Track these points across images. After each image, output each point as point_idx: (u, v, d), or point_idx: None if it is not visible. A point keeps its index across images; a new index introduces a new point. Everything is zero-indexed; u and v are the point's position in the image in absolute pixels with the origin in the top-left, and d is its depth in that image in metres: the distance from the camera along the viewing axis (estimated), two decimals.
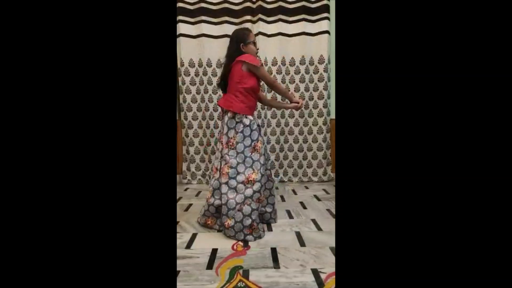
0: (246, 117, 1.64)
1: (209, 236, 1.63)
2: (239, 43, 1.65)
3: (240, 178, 1.60)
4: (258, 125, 1.69)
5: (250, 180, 1.60)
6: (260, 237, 1.58)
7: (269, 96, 2.84)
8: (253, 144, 1.63)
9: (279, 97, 2.73)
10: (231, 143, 1.63)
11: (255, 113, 2.84)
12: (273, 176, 3.00)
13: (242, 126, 1.63)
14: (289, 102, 1.86)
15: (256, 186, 1.59)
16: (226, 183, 1.61)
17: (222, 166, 1.65)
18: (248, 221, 1.56)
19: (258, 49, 1.75)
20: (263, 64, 1.71)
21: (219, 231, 1.68)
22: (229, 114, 1.65)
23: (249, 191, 1.59)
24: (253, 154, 1.63)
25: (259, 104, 2.86)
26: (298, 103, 1.78)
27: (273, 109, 2.94)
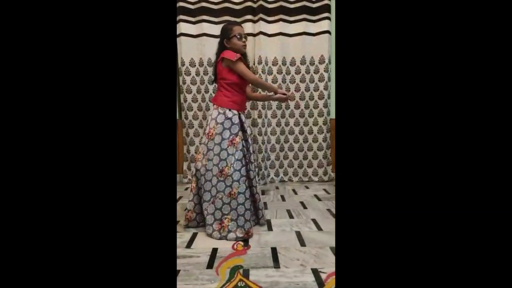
0: (230, 110, 1.64)
1: None
2: (223, 39, 1.68)
3: (215, 170, 1.61)
4: (242, 121, 1.68)
5: (223, 174, 1.60)
6: (226, 237, 1.56)
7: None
8: (231, 137, 1.62)
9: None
10: (210, 133, 1.64)
11: (255, 112, 2.87)
12: (273, 176, 3.01)
13: (223, 117, 1.62)
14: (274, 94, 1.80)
15: (228, 180, 1.59)
16: (204, 174, 1.64)
17: (203, 157, 1.68)
18: (218, 215, 1.61)
19: (244, 41, 1.66)
20: (242, 58, 1.63)
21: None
22: (214, 106, 1.68)
23: (221, 185, 1.60)
24: (229, 147, 1.61)
25: (259, 104, 2.87)
26: (284, 94, 1.71)
27: (273, 109, 2.94)
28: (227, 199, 1.60)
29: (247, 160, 1.69)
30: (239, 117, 1.67)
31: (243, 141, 1.67)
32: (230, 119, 1.63)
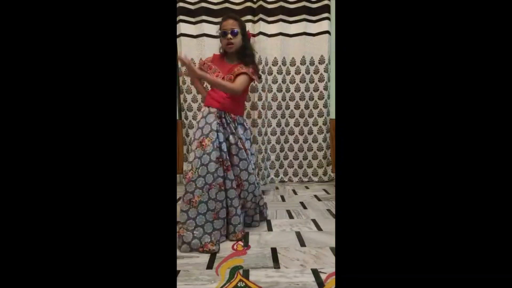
0: (208, 108, 1.52)
1: None
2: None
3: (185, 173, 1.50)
4: (223, 122, 1.50)
5: (186, 178, 1.45)
6: (179, 248, 1.40)
7: (269, 96, 2.86)
8: (201, 138, 1.45)
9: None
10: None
11: (255, 113, 2.87)
12: (273, 177, 3.00)
13: (201, 115, 1.52)
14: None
15: (190, 186, 1.42)
16: None
17: None
18: (181, 218, 1.44)
19: (230, 38, 1.49)
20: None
21: None
22: None
23: (184, 189, 1.45)
24: (197, 149, 1.44)
25: (259, 104, 2.87)
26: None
27: (273, 109, 2.94)
28: (186, 207, 1.43)
29: (224, 167, 1.49)
30: (220, 117, 1.50)
31: (221, 144, 1.48)
32: (205, 117, 1.49)
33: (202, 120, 1.49)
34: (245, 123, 1.64)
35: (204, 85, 1.85)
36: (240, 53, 1.55)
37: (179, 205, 1.69)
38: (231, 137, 1.53)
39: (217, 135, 1.47)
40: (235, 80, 1.50)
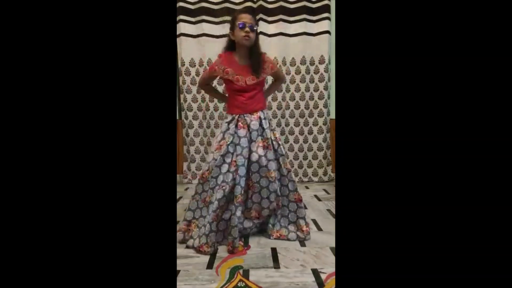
0: (231, 115, 1.56)
1: None
2: (231, 30, 1.51)
3: (200, 172, 1.57)
4: (239, 125, 1.52)
5: (203, 177, 1.53)
6: (186, 242, 1.48)
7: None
8: (221, 142, 1.52)
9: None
10: None
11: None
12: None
13: (224, 121, 1.57)
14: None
15: (206, 185, 1.52)
16: None
17: None
18: (189, 216, 1.54)
19: (248, 31, 1.44)
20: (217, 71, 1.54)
21: None
22: None
23: (199, 188, 1.54)
24: (215, 151, 1.51)
25: None
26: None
27: (273, 109, 2.94)
28: (201, 204, 1.52)
29: (232, 170, 1.48)
30: (243, 119, 1.52)
31: (236, 147, 1.50)
32: (227, 123, 1.55)
33: (224, 125, 1.55)
34: (267, 116, 1.60)
35: (222, 91, 1.84)
36: (251, 51, 1.51)
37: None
38: (252, 145, 1.52)
39: (238, 139, 1.50)
40: (278, 75, 1.70)
